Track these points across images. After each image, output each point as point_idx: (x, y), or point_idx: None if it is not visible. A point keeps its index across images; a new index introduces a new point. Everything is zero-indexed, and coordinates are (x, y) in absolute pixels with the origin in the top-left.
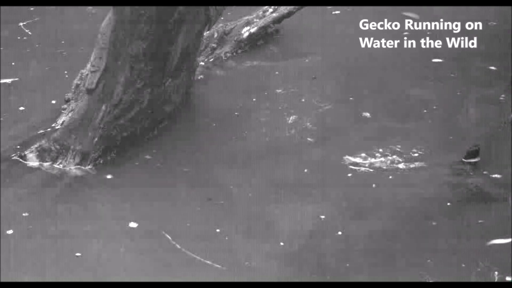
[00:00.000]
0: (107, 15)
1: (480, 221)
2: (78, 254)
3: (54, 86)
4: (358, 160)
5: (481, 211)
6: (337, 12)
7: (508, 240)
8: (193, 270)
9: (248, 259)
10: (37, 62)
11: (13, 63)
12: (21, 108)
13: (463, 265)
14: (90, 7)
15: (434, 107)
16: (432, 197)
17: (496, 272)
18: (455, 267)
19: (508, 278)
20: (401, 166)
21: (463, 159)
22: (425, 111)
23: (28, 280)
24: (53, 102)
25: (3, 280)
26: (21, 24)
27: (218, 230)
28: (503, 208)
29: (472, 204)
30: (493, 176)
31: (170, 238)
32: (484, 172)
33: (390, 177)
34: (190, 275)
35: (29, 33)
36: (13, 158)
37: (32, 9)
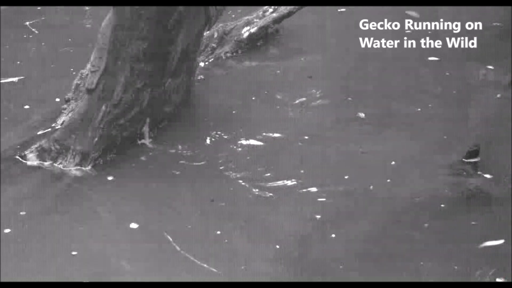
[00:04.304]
0: (107, 15)
1: (473, 223)
2: (74, 253)
3: (60, 84)
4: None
5: (475, 212)
6: (342, 9)
7: (500, 242)
8: (190, 272)
9: (246, 263)
10: (43, 60)
11: (18, 62)
12: (26, 106)
13: (456, 267)
14: (86, 8)
15: (430, 106)
16: (429, 198)
17: (489, 274)
18: (447, 269)
19: (498, 280)
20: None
21: (463, 159)
22: (419, 109)
23: (24, 279)
24: (57, 100)
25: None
26: (27, 23)
27: (218, 232)
28: (499, 209)
29: (469, 205)
30: (493, 176)
31: (171, 239)
32: (484, 172)
33: (389, 180)
34: (187, 277)
35: (36, 32)
36: (13, 158)
37: (39, 8)
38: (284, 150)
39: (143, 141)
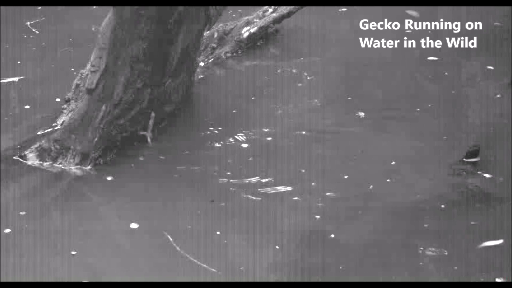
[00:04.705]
0: (107, 15)
1: (473, 223)
2: (73, 252)
3: (61, 84)
4: None
5: (475, 212)
6: (343, 9)
7: (500, 242)
8: (189, 272)
9: (245, 263)
10: (43, 60)
11: (19, 62)
12: (26, 106)
13: (455, 267)
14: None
15: (429, 105)
16: (428, 198)
17: (488, 273)
18: (447, 269)
19: (498, 280)
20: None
21: (463, 159)
22: (418, 109)
23: (24, 279)
24: (57, 100)
25: None
26: (28, 23)
27: (218, 233)
28: (499, 209)
29: (469, 205)
30: (493, 176)
31: (171, 239)
32: (484, 172)
33: (388, 180)
34: (186, 277)
35: (37, 32)
36: (13, 158)
37: (39, 8)
38: (284, 150)
39: (144, 133)
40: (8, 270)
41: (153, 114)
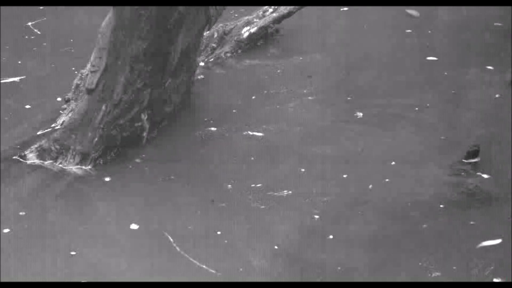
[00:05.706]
0: (107, 15)
1: (472, 223)
2: (73, 253)
3: (61, 84)
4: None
5: (475, 212)
6: (345, 9)
7: (499, 242)
8: (189, 272)
9: (245, 264)
10: (44, 60)
11: (19, 62)
12: (27, 106)
13: (454, 268)
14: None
15: (429, 105)
16: (428, 198)
17: (487, 274)
18: (446, 269)
19: (496, 280)
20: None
21: (463, 159)
22: (417, 109)
23: (24, 279)
24: (59, 99)
25: None
26: (29, 23)
27: (218, 233)
28: (498, 209)
29: (468, 205)
30: (493, 176)
31: (171, 240)
32: (484, 172)
33: (388, 180)
34: (186, 277)
35: (38, 32)
36: (13, 158)
37: (41, 8)
38: (283, 149)
39: (144, 133)
40: (8, 270)
41: (146, 112)
